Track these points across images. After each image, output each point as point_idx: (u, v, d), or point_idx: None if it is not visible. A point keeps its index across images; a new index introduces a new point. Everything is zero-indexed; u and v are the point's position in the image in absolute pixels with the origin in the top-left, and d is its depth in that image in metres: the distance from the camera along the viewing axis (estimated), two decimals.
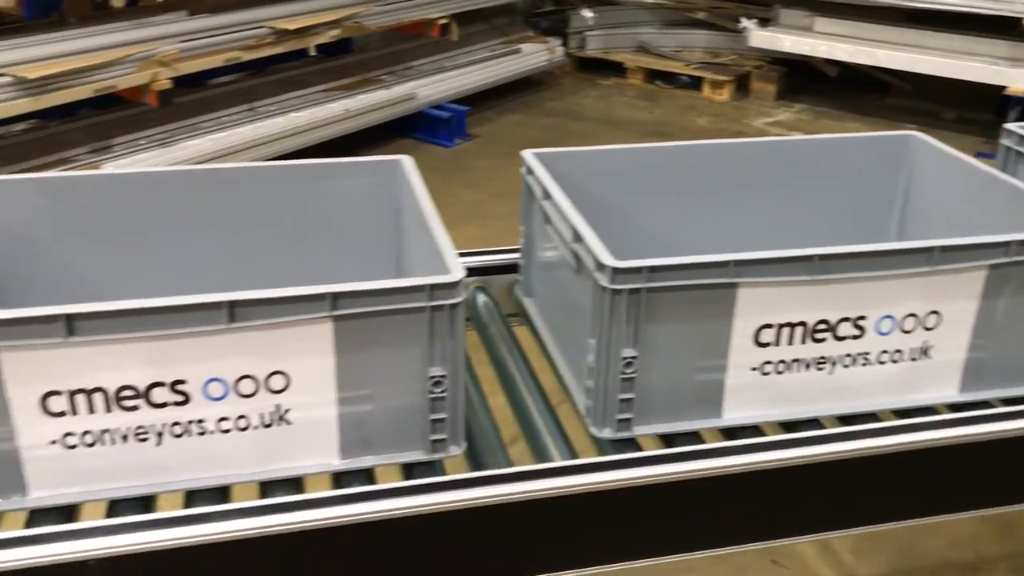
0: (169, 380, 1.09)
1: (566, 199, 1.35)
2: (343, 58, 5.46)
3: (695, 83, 6.24)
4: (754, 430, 1.33)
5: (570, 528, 1.20)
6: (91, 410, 1.08)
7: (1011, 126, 1.70)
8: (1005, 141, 1.70)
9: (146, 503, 1.15)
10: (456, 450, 1.24)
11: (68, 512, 1.14)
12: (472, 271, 1.61)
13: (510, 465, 1.25)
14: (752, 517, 1.28)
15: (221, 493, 1.17)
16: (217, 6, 4.38)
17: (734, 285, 1.22)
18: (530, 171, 1.50)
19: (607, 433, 1.28)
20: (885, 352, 1.33)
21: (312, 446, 1.18)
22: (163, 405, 1.10)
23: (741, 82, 6.19)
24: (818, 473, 1.26)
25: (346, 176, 1.50)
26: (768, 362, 1.29)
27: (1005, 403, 1.40)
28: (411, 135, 5.22)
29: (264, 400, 1.13)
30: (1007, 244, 1.29)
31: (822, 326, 1.28)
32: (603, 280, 1.19)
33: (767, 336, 1.27)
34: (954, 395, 1.39)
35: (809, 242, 1.28)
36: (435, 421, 1.20)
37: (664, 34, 6.64)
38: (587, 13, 6.55)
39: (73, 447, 1.10)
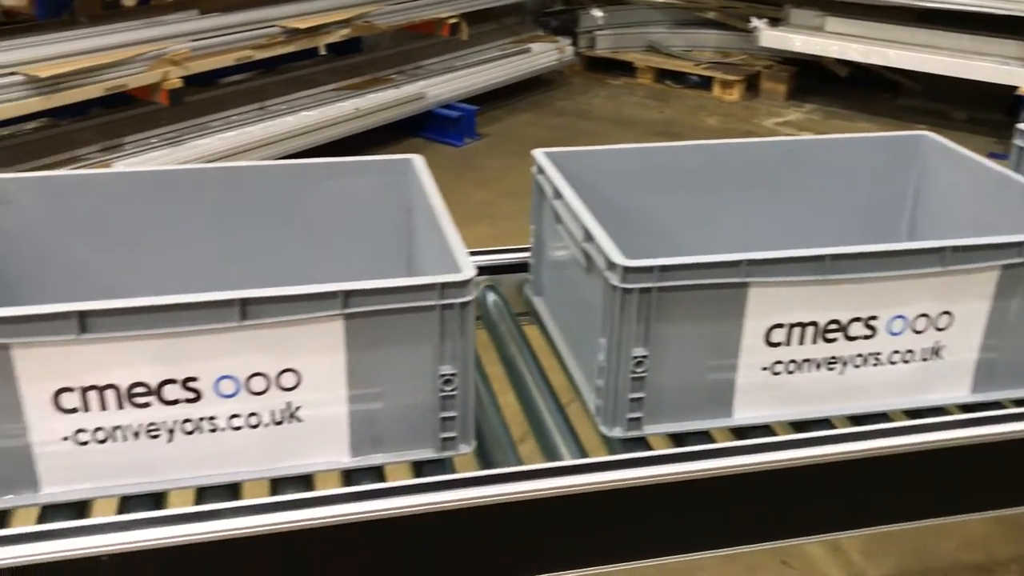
0: (181, 377, 1.09)
1: (577, 198, 1.35)
2: (353, 57, 5.47)
3: (705, 83, 6.23)
4: (765, 430, 1.33)
5: (580, 527, 1.20)
6: (103, 407, 1.09)
7: None
8: (1018, 141, 1.69)
9: (157, 499, 1.16)
10: (466, 448, 1.24)
11: (80, 508, 1.14)
12: (482, 270, 1.61)
13: (520, 464, 1.25)
14: (762, 517, 1.28)
15: (232, 490, 1.18)
16: (228, 5, 4.39)
17: (745, 285, 1.22)
18: (541, 170, 1.50)
19: (617, 432, 1.28)
20: (896, 352, 1.32)
21: (323, 443, 1.18)
22: (175, 402, 1.11)
23: (751, 82, 6.18)
24: (829, 473, 1.25)
25: (357, 175, 1.51)
26: (779, 362, 1.29)
27: (1017, 404, 1.39)
28: (421, 134, 5.23)
29: (275, 397, 1.14)
30: (1020, 244, 1.29)
31: (833, 326, 1.28)
32: (614, 279, 1.19)
33: (778, 336, 1.27)
34: (966, 395, 1.39)
35: (819, 242, 1.28)
36: (445, 419, 1.21)
37: (674, 34, 6.63)
38: (597, 12, 6.55)
39: (85, 443, 1.10)
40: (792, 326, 1.27)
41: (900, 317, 1.30)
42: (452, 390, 1.19)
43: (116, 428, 1.10)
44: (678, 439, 1.31)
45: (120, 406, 1.09)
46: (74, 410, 1.08)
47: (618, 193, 1.58)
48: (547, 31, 6.47)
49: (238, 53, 4.34)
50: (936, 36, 5.41)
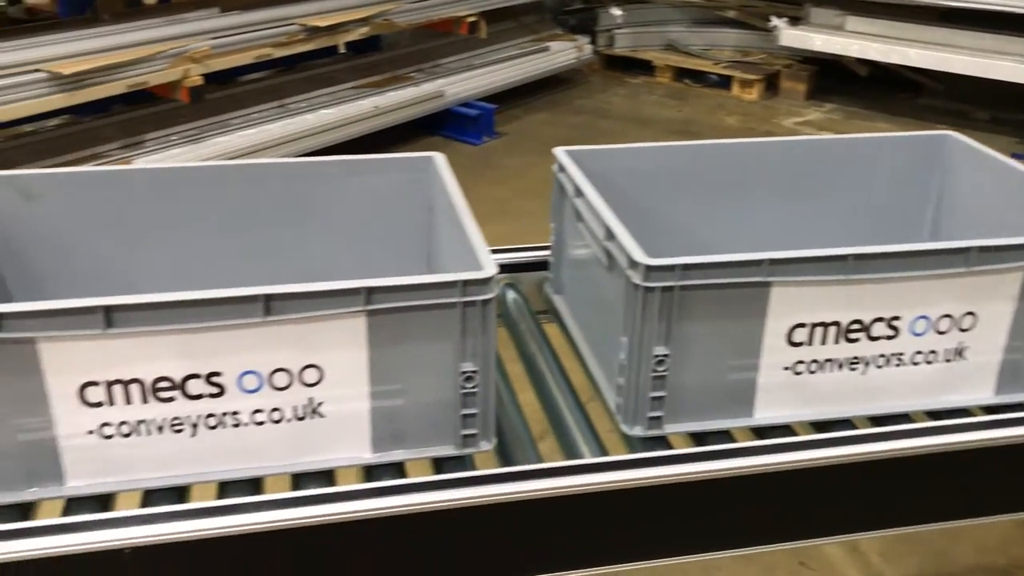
0: (205, 372, 1.10)
1: (598, 196, 1.35)
2: (372, 55, 5.48)
3: (724, 82, 6.21)
4: (785, 430, 1.32)
5: (599, 525, 1.20)
6: (128, 401, 1.10)
7: None
8: None
9: (180, 493, 1.17)
10: (487, 445, 1.24)
11: (104, 501, 1.15)
12: (502, 268, 1.61)
13: (540, 461, 1.25)
14: (781, 517, 1.27)
15: (254, 485, 1.18)
16: (248, 3, 4.41)
17: (768, 284, 1.21)
18: (562, 168, 1.50)
19: (638, 431, 1.28)
20: (919, 353, 1.31)
21: (344, 439, 1.19)
22: (198, 397, 1.11)
23: (771, 81, 6.16)
24: (849, 474, 1.25)
25: (379, 173, 1.51)
26: (801, 362, 1.28)
27: None
28: (439, 133, 5.24)
29: (298, 393, 1.14)
30: None
31: (856, 326, 1.27)
32: (636, 278, 1.19)
33: (800, 335, 1.26)
34: (989, 397, 1.38)
35: (841, 242, 1.27)
36: (466, 416, 1.21)
37: (693, 32, 6.61)
38: (616, 11, 6.54)
39: (110, 437, 1.11)
40: (814, 326, 1.26)
41: (923, 318, 1.29)
42: (473, 387, 1.19)
43: (140, 422, 1.11)
44: (698, 438, 1.30)
45: (144, 400, 1.10)
46: (99, 404, 1.09)
47: (639, 192, 1.57)
48: (566, 29, 6.47)
49: (258, 51, 4.37)
50: (958, 35, 5.37)
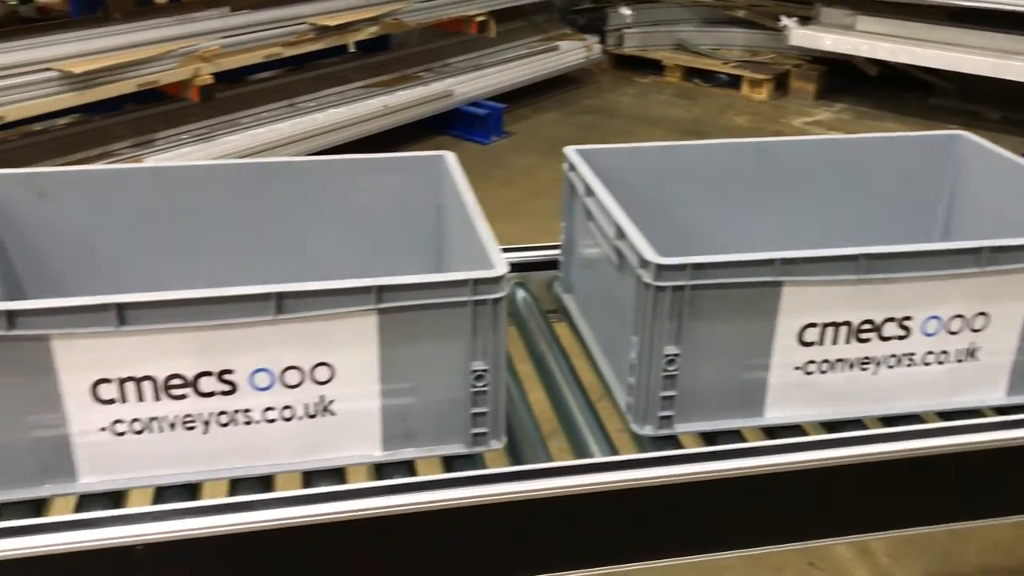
0: (217, 370, 1.10)
1: (609, 195, 1.35)
2: (381, 55, 5.50)
3: (733, 82, 6.20)
4: (796, 430, 1.32)
5: (609, 524, 1.20)
6: (140, 398, 1.10)
7: None
8: None
9: (191, 491, 1.17)
10: (497, 444, 1.24)
11: (116, 498, 1.16)
12: (511, 267, 1.61)
13: (550, 460, 1.25)
14: (791, 517, 1.27)
15: (265, 482, 1.19)
16: (259, 2, 4.43)
17: (779, 284, 1.21)
18: (572, 167, 1.50)
19: (648, 430, 1.28)
20: (931, 353, 1.31)
21: (355, 437, 1.19)
22: (210, 394, 1.12)
23: (780, 81, 6.14)
24: (860, 474, 1.24)
25: (390, 171, 1.51)
26: (812, 361, 1.28)
27: None
28: (448, 132, 5.24)
29: (309, 391, 1.15)
30: None
31: (867, 326, 1.27)
32: (647, 277, 1.19)
33: (811, 335, 1.26)
34: (1001, 398, 1.37)
35: (851, 242, 1.27)
36: (476, 415, 1.21)
37: (703, 32, 6.61)
38: (625, 10, 6.53)
39: (122, 434, 1.12)
40: (825, 326, 1.26)
41: (935, 318, 1.29)
42: (483, 386, 1.19)
43: (152, 419, 1.12)
44: (709, 438, 1.30)
45: (157, 398, 1.10)
46: (112, 401, 1.10)
47: (649, 191, 1.57)
48: (575, 29, 6.47)
49: (268, 50, 4.38)
50: (968, 35, 5.35)
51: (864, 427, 1.32)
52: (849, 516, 1.29)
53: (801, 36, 5.81)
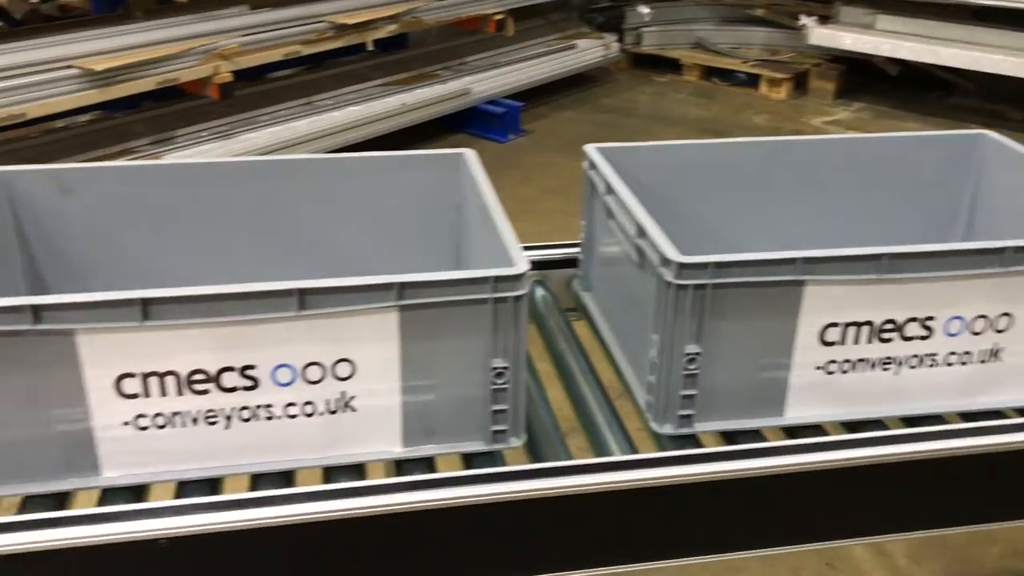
0: (239, 365, 1.11)
1: (630, 193, 1.35)
2: (399, 53, 5.50)
3: (752, 81, 6.17)
4: (816, 430, 1.32)
5: (628, 522, 1.20)
6: (163, 393, 1.11)
7: None
8: None
9: (213, 485, 1.18)
10: (516, 441, 1.24)
11: (138, 492, 1.17)
12: (531, 265, 1.62)
13: (569, 458, 1.25)
14: (810, 517, 1.27)
15: (286, 477, 1.19)
16: (278, 1, 4.44)
17: (801, 283, 1.21)
18: (592, 165, 1.50)
19: (668, 429, 1.27)
20: (953, 354, 1.30)
21: (376, 433, 1.19)
22: (232, 390, 1.12)
23: (799, 80, 6.11)
24: (880, 475, 1.24)
25: (410, 169, 1.52)
26: (833, 361, 1.27)
27: None
28: (465, 130, 5.25)
29: (330, 387, 1.15)
30: None
31: (889, 326, 1.26)
32: (668, 275, 1.19)
33: (833, 335, 1.26)
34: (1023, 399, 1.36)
35: (873, 241, 1.27)
36: (496, 412, 1.21)
37: (721, 31, 6.58)
38: (643, 9, 6.52)
39: (145, 429, 1.13)
40: (847, 325, 1.25)
41: (958, 318, 1.28)
42: (504, 383, 1.19)
43: (175, 414, 1.12)
44: (729, 437, 1.30)
45: (180, 392, 1.11)
46: (135, 395, 1.11)
47: (669, 189, 1.57)
48: (593, 27, 6.45)
49: (287, 48, 4.39)
50: (990, 34, 5.31)
51: (885, 428, 1.31)
52: (869, 517, 1.29)
53: (820, 35, 5.78)
